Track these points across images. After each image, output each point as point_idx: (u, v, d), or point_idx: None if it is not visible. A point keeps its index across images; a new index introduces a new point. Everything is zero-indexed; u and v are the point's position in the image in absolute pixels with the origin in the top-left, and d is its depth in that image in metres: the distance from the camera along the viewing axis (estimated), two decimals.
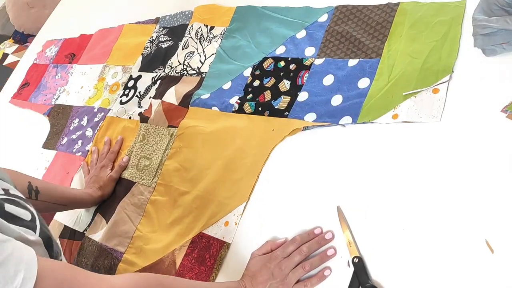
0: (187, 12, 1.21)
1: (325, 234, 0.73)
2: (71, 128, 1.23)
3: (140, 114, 1.10)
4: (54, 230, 1.05)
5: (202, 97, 1.01)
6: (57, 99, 1.36)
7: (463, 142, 0.69)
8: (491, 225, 0.62)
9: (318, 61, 0.91)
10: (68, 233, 1.03)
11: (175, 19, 1.24)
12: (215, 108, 0.98)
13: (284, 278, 0.72)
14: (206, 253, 0.82)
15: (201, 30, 1.13)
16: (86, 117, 1.22)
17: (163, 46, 1.20)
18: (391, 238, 0.68)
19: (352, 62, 0.87)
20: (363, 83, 0.83)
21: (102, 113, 1.18)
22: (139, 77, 1.19)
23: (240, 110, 0.94)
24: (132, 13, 1.38)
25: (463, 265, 0.61)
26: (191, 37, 1.14)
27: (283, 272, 0.72)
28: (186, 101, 1.03)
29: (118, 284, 0.59)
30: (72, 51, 1.47)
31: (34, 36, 1.78)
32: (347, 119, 0.81)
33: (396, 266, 0.66)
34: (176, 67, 1.13)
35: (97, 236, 0.96)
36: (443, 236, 0.64)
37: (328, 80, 0.87)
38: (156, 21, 1.29)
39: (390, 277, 0.66)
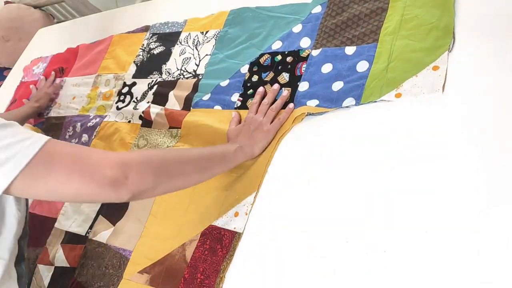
0: (179, 22, 1.23)
1: (273, 87, 0.92)
2: (66, 137, 1.22)
3: (141, 117, 1.10)
4: (56, 238, 1.03)
5: (204, 98, 1.03)
6: (48, 112, 1.35)
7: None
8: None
9: (315, 52, 0.93)
10: (70, 238, 1.01)
11: (166, 26, 1.26)
12: (217, 107, 0.99)
13: (261, 123, 0.87)
14: (218, 244, 0.81)
15: (198, 38, 1.15)
16: (79, 124, 1.21)
17: (155, 52, 1.22)
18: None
19: (349, 49, 0.89)
20: (362, 66, 0.85)
21: (98, 119, 1.18)
22: (134, 83, 1.19)
23: (243, 107, 0.96)
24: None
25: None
26: (189, 46, 1.16)
27: (258, 121, 0.87)
28: (188, 104, 1.04)
29: (125, 155, 0.64)
30: (61, 65, 1.47)
31: (10, 69, 1.76)
32: (350, 101, 0.82)
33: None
34: (173, 73, 1.14)
35: (103, 237, 0.95)
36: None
37: (327, 68, 0.89)
38: (146, 29, 1.31)
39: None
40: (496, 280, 0.58)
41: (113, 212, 0.98)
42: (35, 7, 2.22)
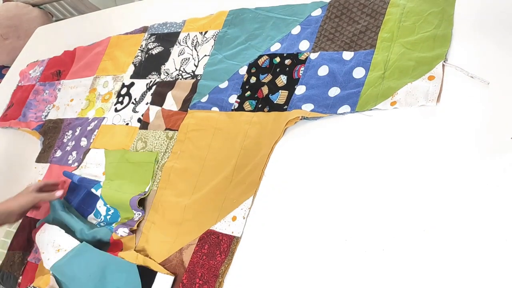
0: (178, 22, 1.22)
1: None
2: (64, 140, 1.21)
3: (139, 120, 1.09)
4: None
5: (202, 100, 1.02)
6: (47, 115, 1.34)
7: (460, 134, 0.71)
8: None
9: (313, 55, 0.92)
10: None
11: (164, 27, 1.25)
12: (215, 109, 0.99)
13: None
14: (217, 249, 0.81)
15: (197, 38, 1.15)
16: (79, 128, 1.20)
17: (153, 52, 1.21)
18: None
19: (347, 54, 0.89)
20: (359, 73, 0.85)
21: (96, 121, 1.17)
22: (132, 84, 1.19)
23: (240, 109, 0.95)
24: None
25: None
26: (188, 46, 1.15)
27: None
28: (186, 105, 1.04)
29: None
30: (58, 68, 1.46)
31: (9, 67, 1.75)
32: (345, 108, 0.82)
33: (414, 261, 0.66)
34: (172, 73, 1.13)
35: None
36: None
37: (324, 72, 0.89)
38: (144, 30, 1.30)
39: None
40: (495, 280, 0.59)
41: None
42: (34, 5, 2.21)
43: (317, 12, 0.97)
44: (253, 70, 0.98)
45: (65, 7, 2.29)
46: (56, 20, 2.25)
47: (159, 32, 1.25)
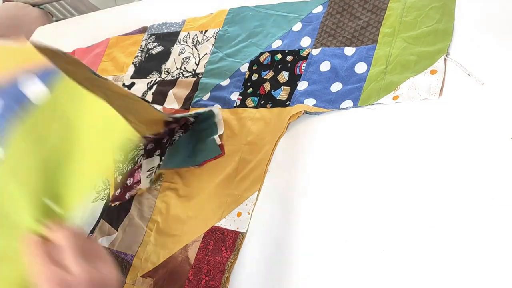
0: (177, 22, 1.23)
1: None
2: None
3: None
4: None
5: (204, 98, 1.02)
6: None
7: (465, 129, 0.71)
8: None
9: (315, 51, 0.93)
10: None
11: (164, 26, 1.25)
12: (217, 106, 0.99)
13: None
14: (222, 245, 0.81)
15: (197, 37, 1.15)
16: None
17: (153, 52, 1.21)
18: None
19: (349, 50, 0.89)
20: (361, 68, 0.85)
21: None
22: (133, 84, 1.19)
23: (242, 105, 0.95)
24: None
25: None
26: (188, 45, 1.15)
27: None
28: (187, 103, 1.04)
29: None
30: None
31: None
32: (348, 103, 0.83)
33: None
34: (172, 72, 1.13)
35: (104, 241, 0.94)
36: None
37: (326, 68, 0.89)
38: (144, 30, 1.30)
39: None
40: (495, 280, 0.59)
41: (114, 216, 0.97)
42: (34, 5, 2.20)
43: (318, 9, 0.97)
44: (254, 67, 0.99)
45: (65, 7, 2.28)
46: (56, 20, 2.24)
47: (159, 32, 1.25)
